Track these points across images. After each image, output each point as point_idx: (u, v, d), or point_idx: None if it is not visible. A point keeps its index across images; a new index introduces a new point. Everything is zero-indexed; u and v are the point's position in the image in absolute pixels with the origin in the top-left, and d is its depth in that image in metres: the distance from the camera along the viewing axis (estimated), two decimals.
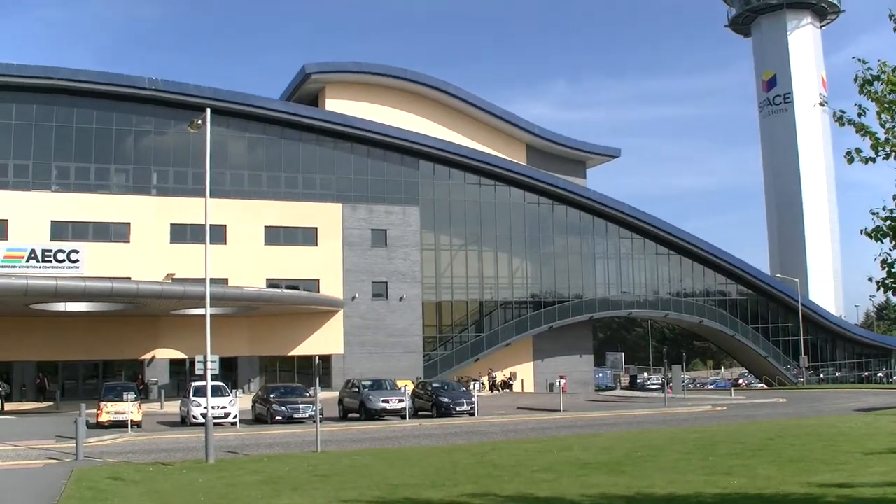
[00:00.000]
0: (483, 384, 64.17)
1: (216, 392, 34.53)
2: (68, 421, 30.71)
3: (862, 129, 11.06)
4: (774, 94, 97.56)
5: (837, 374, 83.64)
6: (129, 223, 56.91)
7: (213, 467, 21.96)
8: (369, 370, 57.23)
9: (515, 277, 69.78)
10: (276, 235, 60.48)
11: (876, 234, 11.02)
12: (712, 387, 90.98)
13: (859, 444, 23.55)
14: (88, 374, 57.50)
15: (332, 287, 61.12)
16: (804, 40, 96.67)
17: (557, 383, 50.70)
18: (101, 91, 56.87)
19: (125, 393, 35.52)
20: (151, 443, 30.31)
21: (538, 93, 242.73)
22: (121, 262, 54.64)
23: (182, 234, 56.65)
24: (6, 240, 53.87)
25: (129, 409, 34.62)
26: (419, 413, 41.57)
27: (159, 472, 21.15)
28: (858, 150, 11.18)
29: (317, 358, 32.50)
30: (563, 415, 41.80)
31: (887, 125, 10.94)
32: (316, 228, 61.61)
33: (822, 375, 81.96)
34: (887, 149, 10.91)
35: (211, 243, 27.71)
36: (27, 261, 53.38)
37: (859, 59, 11.13)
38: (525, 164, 71.85)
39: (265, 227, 59.99)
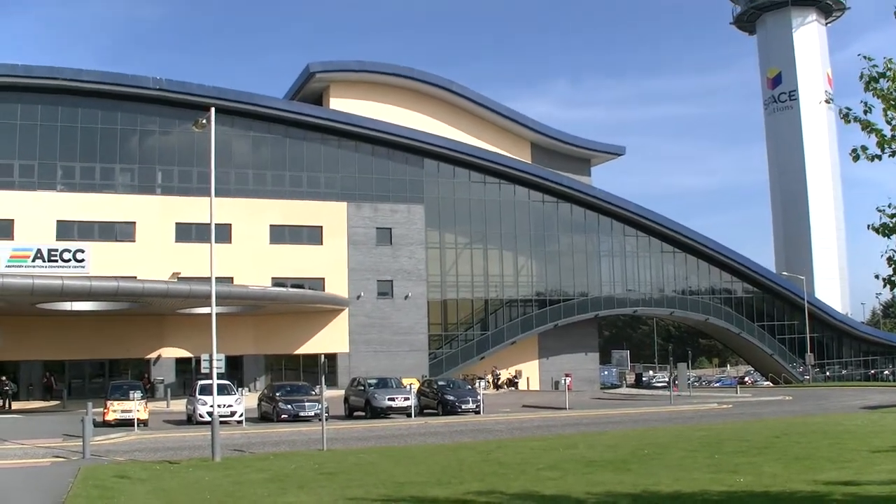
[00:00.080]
0: (488, 382, 64.24)
1: (222, 390, 34.63)
2: (75, 419, 30.79)
3: (868, 127, 11.03)
4: (780, 91, 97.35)
5: (843, 371, 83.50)
6: (134, 222, 57.01)
7: (220, 465, 22.00)
8: (375, 368, 57.26)
9: (520, 275, 69.74)
10: (282, 234, 60.53)
11: (883, 231, 11.00)
12: (718, 385, 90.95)
13: (866, 442, 23.52)
14: (95, 372, 57.63)
15: (337, 286, 61.15)
16: (809, 37, 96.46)
17: (563, 381, 50.77)
18: (106, 91, 56.96)
19: (131, 392, 35.59)
20: (158, 441, 30.35)
21: (540, 91, 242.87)
22: (126, 261, 54.73)
23: (187, 233, 56.75)
24: (12, 240, 53.98)
25: (135, 407, 34.71)
26: (425, 411, 41.59)
27: (166, 470, 21.19)
28: (864, 148, 11.15)
29: (322, 356, 32.51)
30: (568, 413, 41.78)
31: (893, 122, 10.91)
32: (321, 227, 61.65)
33: (828, 373, 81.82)
34: (893, 146, 10.89)
35: (216, 242, 27.76)
36: (33, 260, 53.54)
37: (865, 57, 11.10)
38: (530, 163, 71.79)
39: (270, 225, 60.04)
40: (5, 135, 55.20)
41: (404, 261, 64.03)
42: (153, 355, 57.00)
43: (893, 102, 10.90)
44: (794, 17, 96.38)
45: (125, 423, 34.85)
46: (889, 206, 11.09)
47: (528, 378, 69.20)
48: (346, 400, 43.35)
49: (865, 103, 11.07)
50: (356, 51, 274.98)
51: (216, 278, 27.80)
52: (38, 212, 54.49)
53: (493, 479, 17.86)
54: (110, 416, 35.75)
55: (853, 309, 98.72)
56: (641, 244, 73.99)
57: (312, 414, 36.67)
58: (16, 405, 50.08)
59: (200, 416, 36.05)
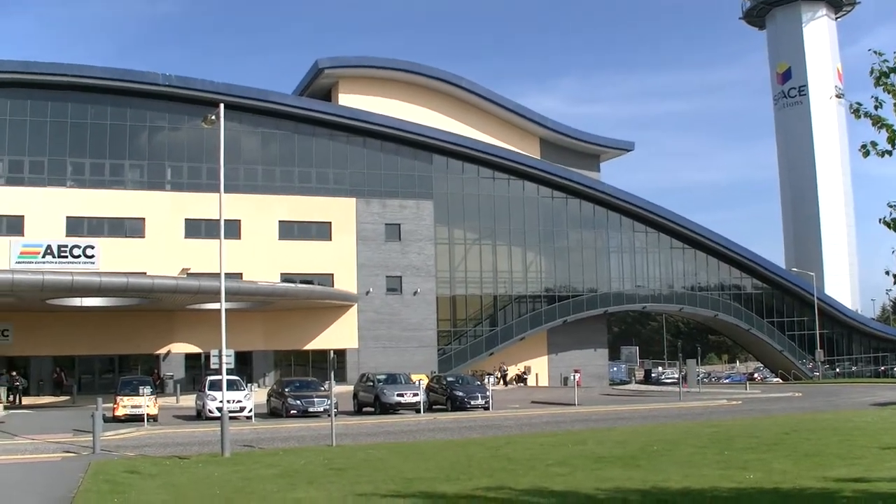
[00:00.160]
0: (497, 378, 64.26)
1: (231, 386, 34.69)
2: (85, 415, 30.89)
3: (878, 122, 10.97)
4: (789, 86, 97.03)
5: (853, 368, 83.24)
6: (143, 218, 57.13)
7: (229, 461, 22.04)
8: (384, 364, 57.28)
9: (529, 271, 69.69)
10: (290, 230, 60.58)
11: (894, 225, 10.94)
12: (727, 381, 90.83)
13: (876, 439, 23.47)
14: (104, 368, 57.83)
15: (346, 281, 61.21)
16: (819, 32, 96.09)
17: (572, 377, 50.70)
18: (115, 87, 57.10)
19: (141, 387, 35.75)
20: (167, 436, 30.45)
21: (548, 88, 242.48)
22: (136, 257, 54.87)
23: (196, 229, 56.87)
24: (22, 236, 54.19)
25: (145, 403, 34.87)
26: (434, 407, 41.66)
27: (175, 465, 21.25)
28: (874, 144, 11.09)
29: (331, 352, 32.57)
30: (577, 409, 41.78)
31: None
32: (330, 223, 61.69)
33: (837, 370, 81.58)
34: None
35: (225, 238, 27.80)
36: (43, 256, 53.72)
37: (875, 52, 11.05)
38: (539, 158, 71.71)
39: (279, 221, 60.12)
40: (15, 131, 55.38)
41: (413, 257, 64.04)
42: (163, 351, 57.15)
43: None
44: (803, 12, 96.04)
45: (135, 419, 35.02)
46: None
47: (536, 374, 69.15)
48: (355, 396, 43.41)
49: (876, 98, 11.02)
50: (362, 48, 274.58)
51: (225, 274, 27.82)
52: (47, 208, 54.67)
53: (501, 475, 17.86)
54: (120, 412, 35.90)
55: (863, 305, 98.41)
56: (650, 240, 73.87)
57: (321, 409, 36.73)
58: (26, 400, 50.30)
59: (210, 411, 36.18)
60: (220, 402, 28.32)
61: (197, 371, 55.16)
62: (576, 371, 51.20)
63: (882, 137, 10.97)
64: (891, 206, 11.02)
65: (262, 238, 58.93)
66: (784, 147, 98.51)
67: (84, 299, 48.38)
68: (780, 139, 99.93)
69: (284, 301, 55.02)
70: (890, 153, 10.95)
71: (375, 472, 18.98)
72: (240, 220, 57.30)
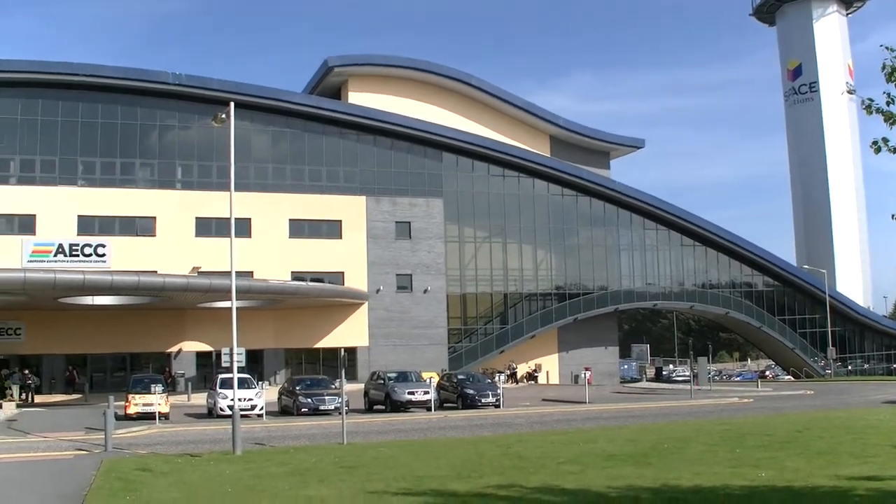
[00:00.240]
0: (507, 376, 64.26)
1: (242, 384, 34.73)
2: (97, 413, 30.98)
3: (890, 118, 10.94)
4: (800, 83, 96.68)
5: (865, 366, 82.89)
6: (154, 217, 57.30)
7: (241, 459, 22.07)
8: (394, 362, 57.33)
9: (540, 269, 69.66)
10: (301, 228, 60.67)
11: None
12: (739, 379, 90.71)
13: (888, 437, 23.36)
14: (116, 366, 58.03)
15: (356, 279, 61.27)
16: (830, 28, 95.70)
17: (583, 375, 50.61)
18: (126, 86, 57.29)
19: (153, 385, 35.81)
20: (179, 434, 30.50)
21: (558, 85, 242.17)
22: (147, 255, 55.04)
23: (207, 227, 56.99)
24: (34, 235, 54.41)
25: (156, 401, 34.94)
26: (444, 405, 41.66)
27: (187, 463, 21.28)
28: (886, 140, 11.06)
29: (342, 350, 32.54)
30: (588, 406, 41.72)
31: None
32: (340, 221, 61.76)
33: (849, 367, 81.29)
34: None
35: (236, 237, 27.83)
36: (55, 255, 53.94)
37: (887, 47, 11.01)
38: (549, 156, 71.67)
39: (289, 220, 60.22)
40: (26, 131, 55.61)
41: (423, 255, 64.06)
42: (174, 349, 57.31)
43: None
44: (814, 8, 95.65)
45: (146, 417, 35.09)
46: None
47: (547, 372, 69.15)
48: (365, 394, 43.43)
49: (888, 94, 10.98)
50: (368, 47, 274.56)
51: (236, 272, 27.86)
52: (59, 207, 54.88)
53: (513, 473, 17.84)
54: (132, 410, 35.98)
55: (875, 302, 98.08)
56: (661, 237, 73.74)
57: (332, 407, 36.75)
58: (39, 398, 50.49)
59: (221, 409, 36.25)
60: (232, 400, 28.36)
61: (208, 369, 55.28)
62: (586, 369, 51.07)
63: (893, 133, 10.94)
64: None
65: (272, 236, 59.04)
66: (795, 144, 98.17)
67: (95, 298, 48.55)
68: (790, 136, 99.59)
69: (295, 299, 55.10)
70: None
71: (386, 470, 18.97)
72: (250, 219, 57.41)
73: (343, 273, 61.28)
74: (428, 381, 42.26)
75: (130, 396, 36.57)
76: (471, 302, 67.36)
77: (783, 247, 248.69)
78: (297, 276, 58.28)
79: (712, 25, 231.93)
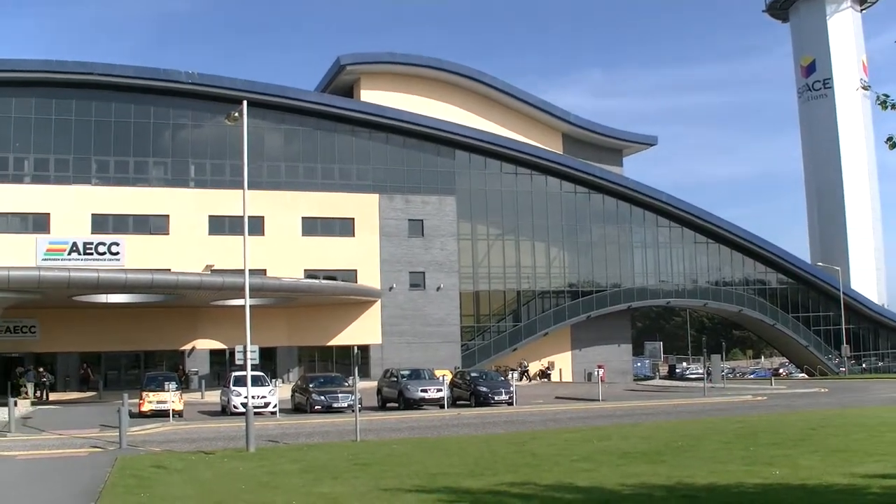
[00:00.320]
0: (519, 374, 64.28)
1: (256, 382, 34.86)
2: (111, 410, 31.15)
3: None
4: (814, 79, 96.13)
5: (880, 363, 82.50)
6: (167, 215, 57.49)
7: (254, 456, 22.14)
8: (407, 360, 57.35)
9: (553, 267, 69.60)
10: (314, 226, 60.76)
11: None
12: (752, 376, 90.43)
13: None
14: (130, 364, 58.29)
15: (369, 277, 61.33)
16: (844, 24, 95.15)
17: (596, 373, 50.59)
18: (139, 85, 57.49)
19: (167, 383, 35.95)
20: (193, 432, 30.60)
21: (571, 82, 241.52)
22: (160, 253, 55.23)
23: (220, 225, 57.14)
24: (48, 233, 54.68)
25: (170, 398, 35.05)
26: (457, 402, 41.64)
27: (201, 460, 21.35)
28: None
29: (355, 348, 32.57)
30: (601, 404, 41.67)
31: None
32: (353, 219, 61.83)
33: (864, 365, 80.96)
34: None
35: (249, 235, 27.89)
36: (69, 254, 54.21)
37: None
38: (561, 153, 71.58)
39: (302, 218, 60.31)
40: (40, 130, 55.87)
41: (436, 252, 64.08)
42: (187, 347, 57.50)
43: None
44: (827, 4, 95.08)
45: (160, 414, 35.21)
46: None
47: (560, 369, 69.11)
48: (378, 391, 43.49)
49: None
50: (382, 45, 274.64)
51: (249, 270, 27.92)
52: (73, 205, 55.13)
53: (526, 471, 17.83)
54: (146, 407, 36.13)
55: (890, 300, 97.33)
56: (674, 235, 73.58)
57: (345, 405, 36.78)
58: (53, 396, 50.76)
59: (234, 407, 36.34)
60: (245, 397, 28.42)
61: (221, 367, 55.48)
62: (600, 366, 51.06)
63: None
64: None
65: (285, 234, 59.15)
66: (809, 140, 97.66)
67: (110, 296, 48.70)
68: (804, 133, 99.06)
69: (308, 297, 55.20)
70: None
71: (400, 467, 19.00)
72: (263, 217, 57.52)
73: (356, 271, 61.36)
74: (441, 378, 42.25)
75: (144, 394, 36.73)
76: (484, 300, 67.37)
77: (796, 244, 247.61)
78: (310, 273, 58.40)
79: (725, 22, 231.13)
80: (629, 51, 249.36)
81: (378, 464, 19.69)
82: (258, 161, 57.45)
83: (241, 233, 27.81)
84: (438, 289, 63.64)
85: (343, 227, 61.70)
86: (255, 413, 26.50)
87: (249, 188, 28.57)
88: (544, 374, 68.28)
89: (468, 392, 41.93)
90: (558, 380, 67.59)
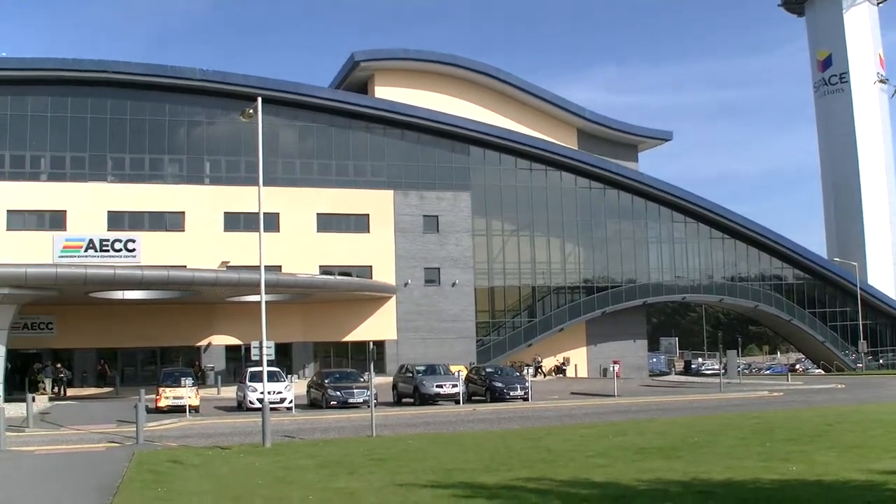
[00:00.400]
0: (537, 369, 64.28)
1: (272, 377, 34.92)
2: (128, 406, 31.28)
3: None
4: (830, 73, 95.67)
5: None
6: (183, 212, 57.69)
7: (270, 451, 22.22)
8: (423, 355, 57.43)
9: (568, 262, 69.51)
10: (329, 223, 60.85)
11: None
12: (768, 372, 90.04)
13: None
14: (147, 360, 58.55)
15: (384, 273, 61.39)
16: (860, 18, 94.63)
17: (611, 368, 50.48)
18: (154, 83, 57.69)
19: (183, 378, 36.14)
20: (209, 427, 30.74)
21: (585, 78, 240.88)
22: (176, 250, 55.44)
23: (236, 222, 57.29)
24: (65, 230, 54.97)
25: (187, 394, 35.21)
26: (473, 398, 41.65)
27: (217, 455, 21.44)
28: None
29: (370, 343, 32.63)
30: (617, 400, 41.62)
31: None
32: (368, 215, 61.89)
33: (881, 361, 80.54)
34: None
35: (264, 231, 27.96)
36: (85, 250, 54.48)
37: None
38: (576, 149, 71.44)
39: (317, 214, 60.40)
40: (56, 127, 56.15)
41: (451, 248, 64.09)
42: (203, 343, 57.71)
43: None
44: None
45: (177, 410, 35.38)
46: None
47: (576, 365, 69.04)
48: (394, 387, 43.56)
49: None
50: (396, 42, 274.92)
51: (265, 267, 28.00)
52: (89, 203, 55.40)
53: (542, 467, 17.84)
54: (162, 403, 36.32)
55: None
56: (690, 230, 73.35)
57: (361, 401, 36.90)
58: (71, 392, 51.04)
59: (250, 402, 36.46)
60: (261, 393, 28.50)
61: (237, 363, 55.65)
62: (615, 362, 50.97)
63: None
64: None
65: (300, 231, 59.27)
66: (825, 135, 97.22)
67: (126, 292, 48.91)
68: (820, 127, 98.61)
69: (323, 293, 55.31)
70: None
71: (415, 462, 19.03)
72: (278, 213, 57.64)
73: (371, 267, 61.44)
74: (456, 374, 42.31)
75: (161, 390, 36.91)
76: (499, 295, 67.34)
77: (813, 239, 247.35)
78: (325, 270, 58.52)
79: (740, 16, 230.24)
80: (643, 46, 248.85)
81: (394, 459, 19.73)
82: (273, 158, 57.57)
83: (257, 229, 27.89)
84: (453, 285, 63.66)
85: (358, 223, 61.78)
86: (271, 408, 26.58)
87: (264, 185, 28.62)
88: (559, 369, 68.21)
89: (483, 387, 41.94)
90: (573, 375, 67.53)
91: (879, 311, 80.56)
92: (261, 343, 27.49)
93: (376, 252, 61.54)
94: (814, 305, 77.54)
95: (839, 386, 52.27)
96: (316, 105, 61.53)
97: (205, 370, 56.15)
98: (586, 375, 68.14)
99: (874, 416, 28.56)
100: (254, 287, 40.16)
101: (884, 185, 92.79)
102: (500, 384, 41.39)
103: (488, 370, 44.56)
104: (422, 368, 42.90)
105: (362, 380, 39.62)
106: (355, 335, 60.48)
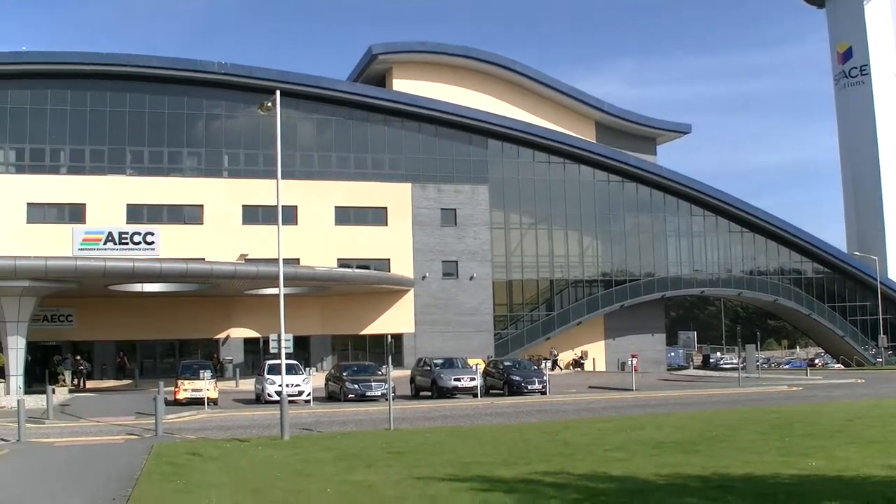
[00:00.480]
0: (555, 364, 64.16)
1: (290, 370, 35.04)
2: (147, 398, 31.45)
3: None
4: (850, 66, 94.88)
5: None
6: (202, 205, 57.89)
7: (289, 444, 22.27)
8: (440, 349, 57.43)
9: (586, 256, 69.37)
10: (347, 216, 60.92)
11: None
12: (787, 367, 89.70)
13: None
14: (165, 352, 58.84)
15: (402, 266, 61.43)
16: (881, 10, 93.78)
17: (629, 362, 50.38)
18: (172, 76, 57.90)
19: (202, 371, 36.25)
20: (227, 420, 30.85)
21: (603, 70, 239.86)
22: (195, 243, 55.65)
23: (254, 215, 57.46)
24: (84, 223, 55.27)
25: (205, 386, 35.34)
26: (491, 391, 41.66)
27: (236, 448, 21.51)
28: None
29: (388, 337, 32.75)
30: (635, 394, 41.52)
31: None
32: (385, 208, 61.93)
33: None
34: None
35: (282, 224, 28.01)
36: (104, 243, 54.78)
37: None
38: (594, 142, 71.25)
39: (335, 207, 60.49)
40: (76, 121, 56.45)
41: (469, 241, 64.07)
42: (222, 336, 57.93)
43: None
44: None
45: (195, 402, 35.49)
46: None
47: (594, 359, 68.91)
48: (412, 380, 43.59)
49: None
50: (414, 35, 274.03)
51: (283, 260, 28.05)
52: (108, 196, 55.67)
53: (560, 460, 17.80)
54: (181, 395, 36.45)
55: None
56: (708, 224, 73.06)
57: (379, 394, 36.92)
58: (90, 384, 51.33)
59: (269, 395, 36.55)
60: (279, 386, 28.60)
61: (256, 355, 55.86)
62: (633, 356, 50.85)
63: None
64: None
65: (318, 224, 59.37)
66: (845, 128, 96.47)
67: (145, 285, 49.18)
68: (840, 120, 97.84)
69: (341, 286, 55.38)
70: None
71: (433, 455, 19.03)
72: (296, 206, 57.75)
73: (389, 260, 61.49)
74: (474, 367, 42.29)
75: (180, 382, 37.07)
76: (517, 289, 67.30)
77: (832, 233, 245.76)
78: (343, 263, 58.57)
79: (760, 8, 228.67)
80: (662, 39, 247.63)
81: (411, 452, 19.74)
82: (291, 151, 57.67)
83: (275, 222, 27.97)
84: (471, 278, 63.64)
85: (376, 216, 61.83)
86: (289, 401, 26.65)
87: (283, 178, 28.67)
88: (577, 363, 68.12)
89: (501, 381, 41.93)
90: (591, 369, 67.41)
91: None
92: (279, 336, 27.59)
93: (394, 245, 61.58)
94: (833, 300, 77.09)
95: (859, 381, 51.96)
96: (334, 98, 61.59)
97: (223, 363, 56.40)
98: (604, 369, 68.03)
99: (895, 411, 28.38)
100: (272, 280, 40.31)
101: None
102: (517, 378, 41.39)
103: (506, 364, 44.54)
104: (439, 362, 42.92)
105: (380, 373, 39.62)
106: (373, 328, 60.58)
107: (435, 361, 42.92)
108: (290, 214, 56.46)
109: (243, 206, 58.01)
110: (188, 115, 58.91)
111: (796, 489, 13.97)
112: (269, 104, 27.69)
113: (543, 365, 45.32)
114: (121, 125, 57.17)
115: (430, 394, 40.83)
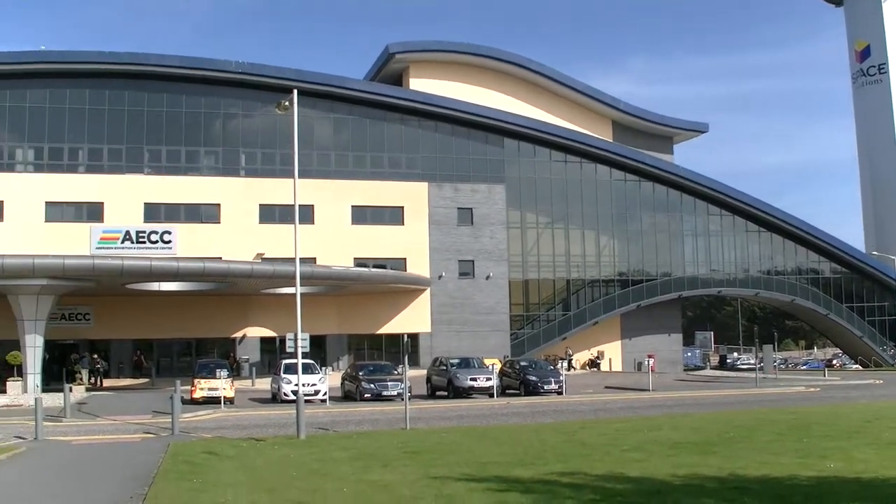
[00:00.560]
0: (572, 364, 64.05)
1: (306, 370, 35.08)
2: (164, 397, 31.54)
3: None
4: (868, 64, 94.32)
5: None
6: (218, 204, 58.04)
7: (305, 443, 22.31)
8: (457, 348, 57.41)
9: (602, 255, 69.17)
10: (363, 215, 60.95)
11: None
12: (805, 367, 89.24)
13: None
14: (182, 351, 59.03)
15: (418, 266, 61.43)
16: None
17: (646, 362, 50.24)
18: (190, 75, 58.07)
19: (218, 370, 36.41)
20: (244, 419, 30.94)
21: (619, 69, 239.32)
22: (212, 242, 55.82)
23: (271, 214, 57.54)
24: (102, 222, 55.50)
25: (221, 385, 35.48)
26: (507, 391, 41.65)
27: (252, 447, 21.56)
28: None
29: (404, 336, 32.69)
30: (651, 394, 41.43)
31: None
32: (402, 207, 61.93)
33: None
34: None
35: (299, 223, 28.05)
36: (122, 242, 55.01)
37: None
38: (611, 141, 71.05)
39: (352, 206, 60.53)
40: (94, 120, 56.69)
41: (485, 241, 64.00)
42: (238, 335, 58.06)
43: None
44: None
45: (212, 401, 35.65)
46: None
47: (610, 359, 68.74)
48: (428, 380, 43.61)
49: None
50: (430, 34, 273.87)
51: (300, 259, 28.09)
52: (126, 195, 55.90)
53: (576, 461, 17.77)
54: (198, 394, 36.62)
55: None
56: (725, 223, 72.74)
57: (395, 393, 36.99)
58: (107, 382, 51.65)
59: (285, 394, 36.64)
60: (296, 385, 28.66)
61: (272, 355, 56.01)
62: (650, 356, 50.72)
63: None
64: None
65: (335, 223, 59.44)
66: (863, 127, 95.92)
67: (162, 284, 49.37)
68: (859, 119, 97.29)
69: (358, 285, 55.43)
70: None
71: (449, 455, 19.02)
72: (313, 206, 57.80)
73: (405, 259, 61.49)
74: (490, 367, 42.28)
75: (196, 381, 37.23)
76: (533, 288, 67.17)
77: (850, 232, 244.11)
78: (359, 262, 58.61)
79: (777, 6, 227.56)
80: (678, 37, 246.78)
81: (427, 452, 19.74)
82: (308, 150, 57.68)
83: (292, 221, 27.98)
84: (488, 277, 63.58)
85: (392, 215, 61.84)
86: (306, 401, 26.69)
87: (299, 177, 28.69)
88: (594, 363, 67.97)
89: (517, 381, 41.92)
90: (608, 369, 67.25)
91: None
92: (296, 335, 27.61)
93: (410, 244, 61.58)
94: (851, 300, 76.61)
95: (877, 382, 51.69)
96: (351, 97, 61.65)
97: (240, 362, 56.54)
98: (620, 369, 67.85)
99: None
100: (289, 279, 40.35)
101: None
102: (534, 378, 41.36)
103: (522, 364, 44.51)
104: (456, 361, 42.92)
105: (396, 372, 39.70)
106: (389, 328, 60.60)
107: (451, 361, 42.94)
108: (307, 213, 56.49)
109: (260, 205, 58.13)
110: (205, 114, 59.08)
111: (814, 491, 13.90)
112: (287, 103, 27.74)
113: (560, 365, 45.27)
114: (138, 124, 57.41)
115: (446, 393, 40.85)
